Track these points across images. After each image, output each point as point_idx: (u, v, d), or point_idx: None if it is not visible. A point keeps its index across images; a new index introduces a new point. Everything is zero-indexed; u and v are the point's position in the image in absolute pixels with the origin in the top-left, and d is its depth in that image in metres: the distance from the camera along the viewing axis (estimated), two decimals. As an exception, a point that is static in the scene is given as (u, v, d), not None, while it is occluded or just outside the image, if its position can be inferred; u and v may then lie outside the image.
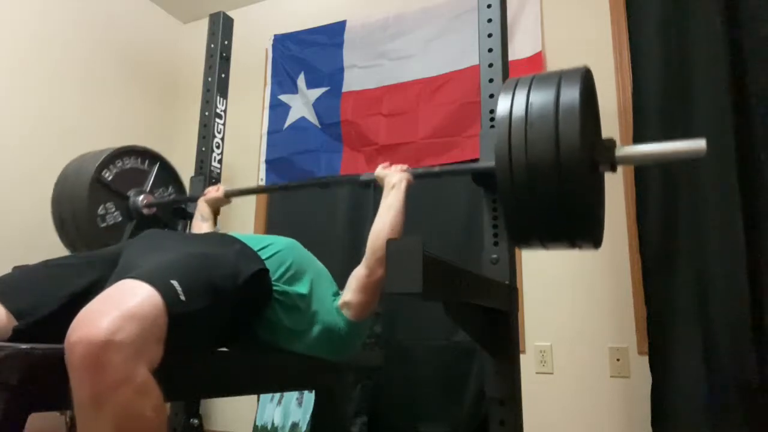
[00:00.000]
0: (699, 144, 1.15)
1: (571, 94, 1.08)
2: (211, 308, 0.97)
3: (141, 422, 0.74)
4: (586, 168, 1.06)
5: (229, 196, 1.91)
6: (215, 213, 1.89)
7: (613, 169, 1.20)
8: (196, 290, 0.93)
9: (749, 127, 1.94)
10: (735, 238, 1.86)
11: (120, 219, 1.98)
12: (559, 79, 1.13)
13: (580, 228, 1.13)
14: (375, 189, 2.73)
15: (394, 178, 1.48)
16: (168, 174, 2.16)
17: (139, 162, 2.06)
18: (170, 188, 2.17)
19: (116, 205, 1.96)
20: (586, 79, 1.15)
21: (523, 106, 1.11)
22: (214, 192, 1.88)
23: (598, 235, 1.22)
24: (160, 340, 0.82)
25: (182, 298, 0.89)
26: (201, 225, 1.84)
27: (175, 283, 0.89)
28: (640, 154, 1.25)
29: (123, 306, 0.79)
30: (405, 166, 1.57)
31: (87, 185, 1.85)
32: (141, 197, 2.01)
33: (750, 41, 1.98)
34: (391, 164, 1.59)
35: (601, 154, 1.20)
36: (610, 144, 1.20)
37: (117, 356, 0.73)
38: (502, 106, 1.14)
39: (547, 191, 1.06)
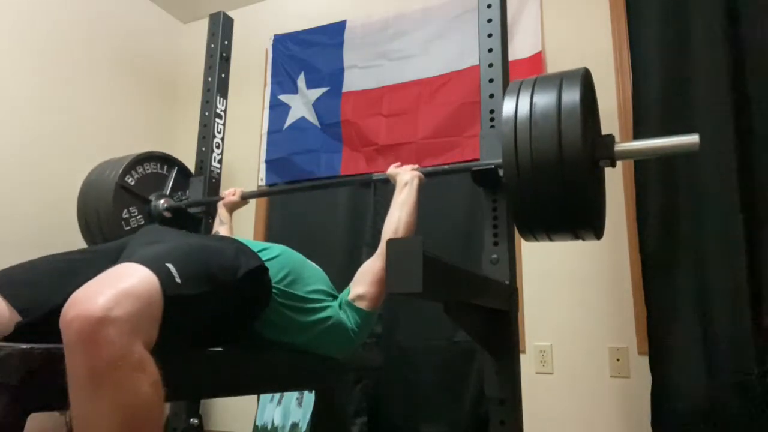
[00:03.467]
0: (692, 139, 1.21)
1: (572, 95, 1.14)
2: (207, 296, 0.98)
3: (138, 398, 0.75)
4: (587, 164, 1.13)
5: (245, 198, 2.02)
6: (231, 214, 2.02)
7: (613, 164, 1.25)
8: (192, 275, 0.94)
9: (749, 125, 1.94)
10: (735, 238, 1.86)
11: (142, 222, 2.09)
12: (560, 80, 1.19)
13: (582, 220, 1.19)
14: (375, 192, 2.74)
15: (406, 176, 1.56)
16: (184, 178, 2.26)
17: (158, 167, 2.18)
18: (188, 192, 2.25)
19: (138, 209, 2.08)
20: (585, 79, 1.20)
21: (528, 107, 1.18)
22: (231, 196, 1.99)
23: (599, 226, 1.28)
24: (156, 319, 0.83)
25: (177, 280, 0.90)
26: (219, 228, 1.96)
27: (170, 265, 0.91)
28: (637, 149, 1.31)
29: (119, 285, 0.80)
30: (416, 166, 1.64)
31: (112, 190, 1.98)
32: (162, 201, 2.12)
33: (751, 40, 1.98)
34: (402, 164, 1.67)
35: (601, 150, 1.25)
36: (610, 140, 1.25)
37: (113, 332, 0.74)
38: (508, 106, 1.21)
39: (552, 186, 1.13)
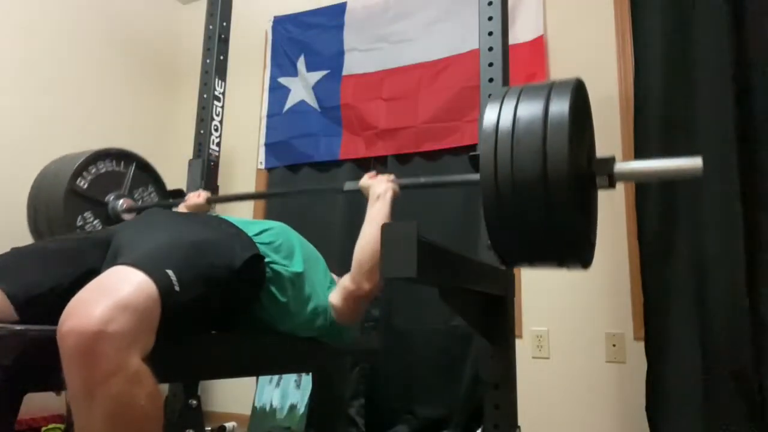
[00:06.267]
0: (695, 162, 1.12)
1: (560, 107, 1.02)
2: (204, 297, 0.97)
3: (134, 410, 0.75)
4: (574, 184, 1.01)
5: (210, 202, 1.87)
6: None
7: (612, 185, 1.15)
8: (190, 280, 0.92)
9: (751, 114, 1.92)
10: (734, 227, 1.85)
11: (100, 227, 1.90)
12: (548, 90, 1.07)
13: (568, 248, 1.07)
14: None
15: (379, 188, 1.42)
16: (147, 174, 2.06)
17: (114, 164, 1.96)
18: (150, 188, 2.08)
19: (95, 213, 1.88)
20: (578, 91, 1.08)
21: (511, 119, 1.06)
22: (195, 198, 1.84)
23: (588, 256, 1.16)
24: (153, 329, 0.82)
25: (176, 288, 0.88)
26: None
27: (170, 272, 0.89)
28: (639, 170, 1.19)
29: (116, 295, 0.78)
30: (392, 176, 1.50)
31: (62, 197, 1.77)
32: (120, 202, 1.92)
33: (753, 24, 1.95)
34: (377, 174, 1.54)
35: (600, 169, 1.14)
36: (609, 159, 1.15)
37: (109, 347, 0.73)
38: (489, 117, 1.09)
39: (534, 207, 1.01)
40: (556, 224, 1.01)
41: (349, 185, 1.64)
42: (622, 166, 1.15)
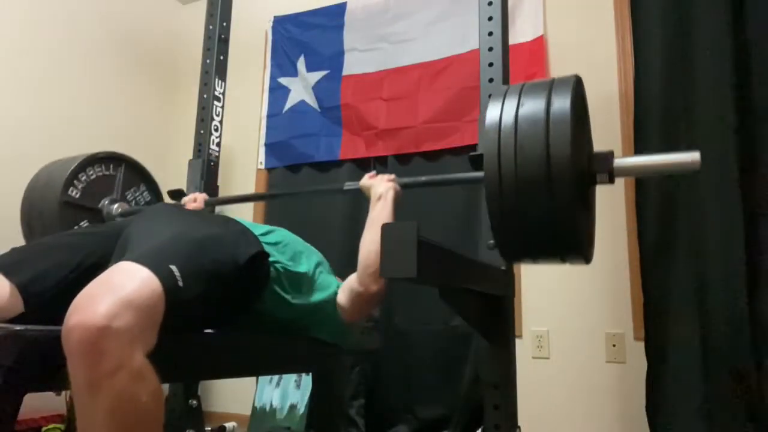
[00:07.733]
0: (693, 156, 1.15)
1: (562, 104, 1.04)
2: (208, 293, 0.98)
3: (137, 407, 0.75)
4: (579, 179, 1.03)
5: (209, 204, 1.86)
6: None
7: (611, 180, 1.18)
8: (194, 276, 0.93)
9: (752, 111, 1.92)
10: (734, 226, 1.86)
11: None
12: (549, 88, 1.09)
13: (571, 244, 1.09)
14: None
15: (380, 188, 1.43)
16: (137, 173, 2.04)
17: (104, 168, 1.93)
18: (141, 186, 2.05)
19: (91, 221, 1.85)
20: (577, 87, 1.11)
21: (513, 117, 1.08)
22: (192, 204, 1.80)
23: (589, 251, 1.19)
24: (156, 325, 0.83)
25: (180, 284, 0.89)
26: None
27: (174, 268, 0.89)
28: (638, 165, 1.22)
29: (121, 291, 0.79)
30: (392, 176, 1.51)
31: (56, 211, 1.73)
32: (115, 206, 1.89)
33: (754, 20, 1.95)
34: (377, 174, 1.53)
35: (599, 165, 1.17)
36: (608, 155, 1.18)
37: (114, 343, 0.74)
38: (492, 115, 1.10)
39: (537, 204, 1.03)
40: (559, 221, 1.03)
41: (349, 185, 1.64)
42: (620, 161, 1.17)
